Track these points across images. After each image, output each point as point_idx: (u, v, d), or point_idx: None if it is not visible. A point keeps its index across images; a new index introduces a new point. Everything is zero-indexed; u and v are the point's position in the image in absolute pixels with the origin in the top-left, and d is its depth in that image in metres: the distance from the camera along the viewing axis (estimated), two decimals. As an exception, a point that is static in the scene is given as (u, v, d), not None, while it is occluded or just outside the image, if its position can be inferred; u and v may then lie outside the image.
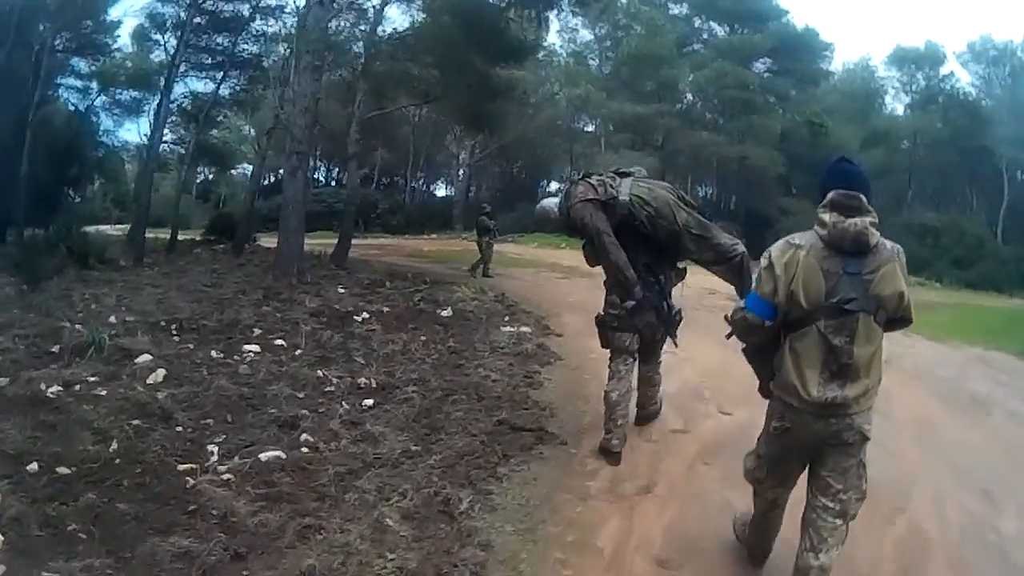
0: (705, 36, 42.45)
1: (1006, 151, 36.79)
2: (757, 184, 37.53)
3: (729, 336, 3.40)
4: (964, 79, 42.71)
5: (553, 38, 44.30)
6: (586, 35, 45.37)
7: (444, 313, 11.17)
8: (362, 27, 21.21)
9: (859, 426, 3.09)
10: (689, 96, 42.51)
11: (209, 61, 24.16)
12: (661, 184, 5.32)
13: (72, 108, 27.33)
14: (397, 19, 20.14)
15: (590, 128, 43.68)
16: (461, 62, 18.48)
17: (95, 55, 26.74)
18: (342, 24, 20.67)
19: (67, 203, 24.88)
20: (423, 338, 9.22)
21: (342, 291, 13.15)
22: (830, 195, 3.07)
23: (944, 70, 42.72)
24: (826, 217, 3.03)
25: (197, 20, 23.19)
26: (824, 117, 36.94)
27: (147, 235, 21.70)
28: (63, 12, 22.91)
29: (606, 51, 43.97)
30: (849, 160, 3.20)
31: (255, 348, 8.20)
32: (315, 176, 47.59)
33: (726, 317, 3.38)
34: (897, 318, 3.13)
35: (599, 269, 5.52)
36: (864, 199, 3.02)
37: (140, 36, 26.18)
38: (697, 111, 42.55)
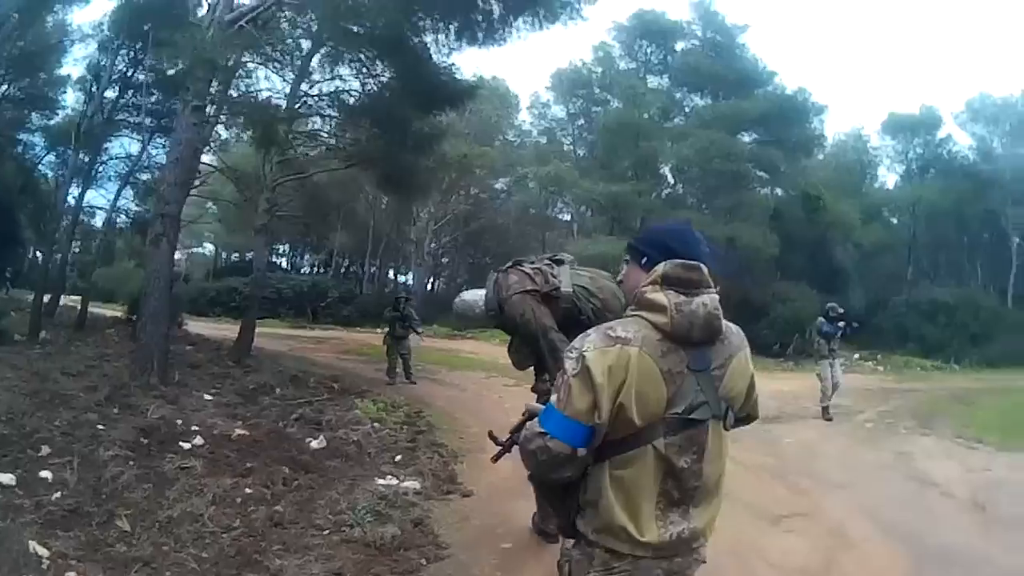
0: (687, 109, 38.58)
1: (1011, 213, 35.32)
2: (747, 269, 34.10)
3: (531, 476, 2.45)
4: (963, 142, 40.96)
5: (524, 116, 43.22)
6: (558, 112, 42.64)
7: (314, 443, 8.69)
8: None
9: (703, 558, 2.40)
10: (669, 174, 38.44)
11: (147, 122, 21.35)
12: (600, 272, 4.93)
13: (18, 164, 25.28)
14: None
15: (565, 216, 42.49)
16: (398, 118, 16.50)
17: (44, 110, 25.24)
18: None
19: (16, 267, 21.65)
20: (249, 490, 6.66)
21: (209, 398, 11.05)
22: (660, 268, 2.31)
23: (941, 134, 41.02)
24: (660, 298, 2.25)
25: (138, 76, 20.41)
26: (821, 189, 33.69)
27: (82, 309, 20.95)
28: (15, 63, 22.12)
29: (580, 129, 42.16)
30: (692, 230, 2.46)
31: (6, 479, 6.10)
32: (271, 259, 45.23)
33: (491, 435, 2.77)
34: (743, 417, 2.49)
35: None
36: (706, 270, 2.32)
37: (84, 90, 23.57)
38: (679, 190, 38.79)
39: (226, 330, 23.22)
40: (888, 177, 45.12)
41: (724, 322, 2.35)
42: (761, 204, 34.12)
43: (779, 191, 36.30)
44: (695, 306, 2.27)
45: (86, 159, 22.29)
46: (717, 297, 2.33)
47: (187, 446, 7.86)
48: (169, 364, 12.33)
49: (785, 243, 31.08)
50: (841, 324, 13.31)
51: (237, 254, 51.15)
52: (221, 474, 6.97)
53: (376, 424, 9.91)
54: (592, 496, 2.32)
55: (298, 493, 6.72)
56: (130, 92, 20.81)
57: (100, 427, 8.07)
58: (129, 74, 20.70)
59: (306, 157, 19.90)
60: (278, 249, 49.92)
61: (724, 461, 2.38)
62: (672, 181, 38.26)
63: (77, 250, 29.67)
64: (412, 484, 7.18)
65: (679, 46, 38.28)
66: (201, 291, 39.06)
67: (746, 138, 34.35)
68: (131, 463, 6.92)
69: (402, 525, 5.92)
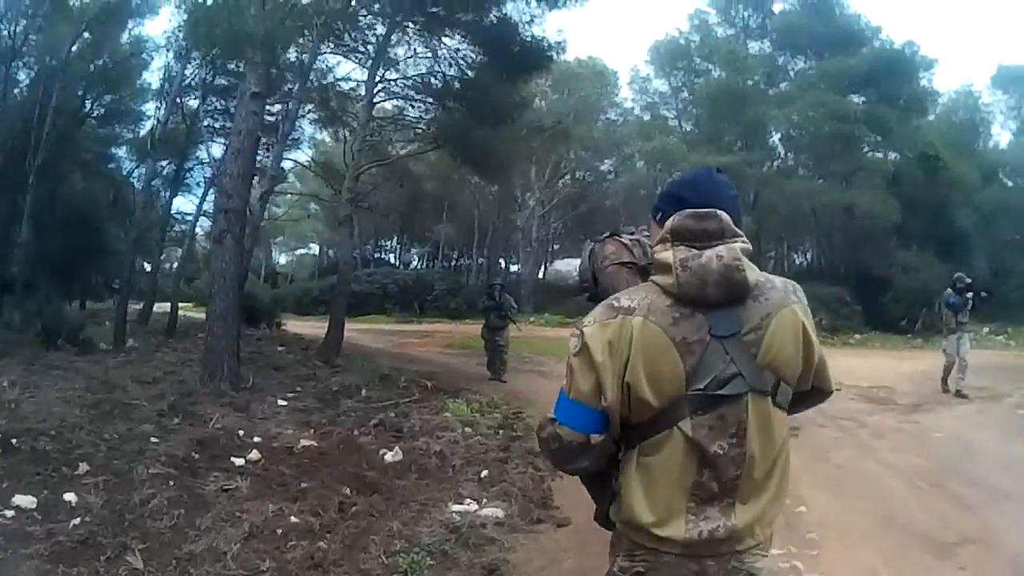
0: (791, 73, 36.63)
1: None
2: (866, 238, 32.40)
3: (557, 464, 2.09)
4: None
5: (625, 92, 41.56)
6: (660, 86, 40.80)
7: (388, 455, 7.51)
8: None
9: (751, 569, 1.91)
10: (779, 142, 36.56)
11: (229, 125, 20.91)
12: None
13: (108, 178, 25.99)
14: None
15: None
16: (482, 87, 16.05)
17: (130, 123, 25.93)
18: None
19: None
20: (295, 519, 5.50)
21: (283, 403, 10.10)
22: (670, 222, 1.93)
23: None
24: (666, 256, 1.88)
25: (219, 80, 21.36)
26: (939, 148, 30.91)
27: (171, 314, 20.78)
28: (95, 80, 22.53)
29: (683, 103, 40.27)
30: (718, 170, 2.08)
31: (26, 501, 5.40)
32: (375, 254, 45.19)
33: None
34: (808, 391, 2.04)
35: None
36: (726, 218, 1.90)
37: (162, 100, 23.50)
38: (789, 159, 37.26)
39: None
40: (1002, 136, 41.45)
41: (761, 275, 1.92)
42: (879, 168, 32.38)
43: (893, 154, 33.85)
44: (705, 259, 1.85)
45: (171, 167, 23.10)
46: (739, 247, 1.88)
47: (240, 462, 6.95)
48: (247, 367, 11.70)
49: (905, 209, 28.98)
50: (969, 295, 12.57)
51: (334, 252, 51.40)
52: (268, 497, 5.98)
53: (467, 429, 8.80)
54: (619, 485, 1.99)
55: (353, 522, 5.55)
56: (211, 98, 21.41)
57: (153, 440, 7.29)
58: (209, 80, 20.96)
59: (390, 142, 19.42)
60: (385, 244, 50.18)
61: (777, 445, 1.92)
62: (782, 150, 36.53)
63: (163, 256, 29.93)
64: (494, 511, 5.88)
65: (777, 7, 36.58)
66: (305, 291, 39.57)
67: (855, 99, 32.09)
68: (170, 483, 6.04)
69: (470, 572, 4.69)
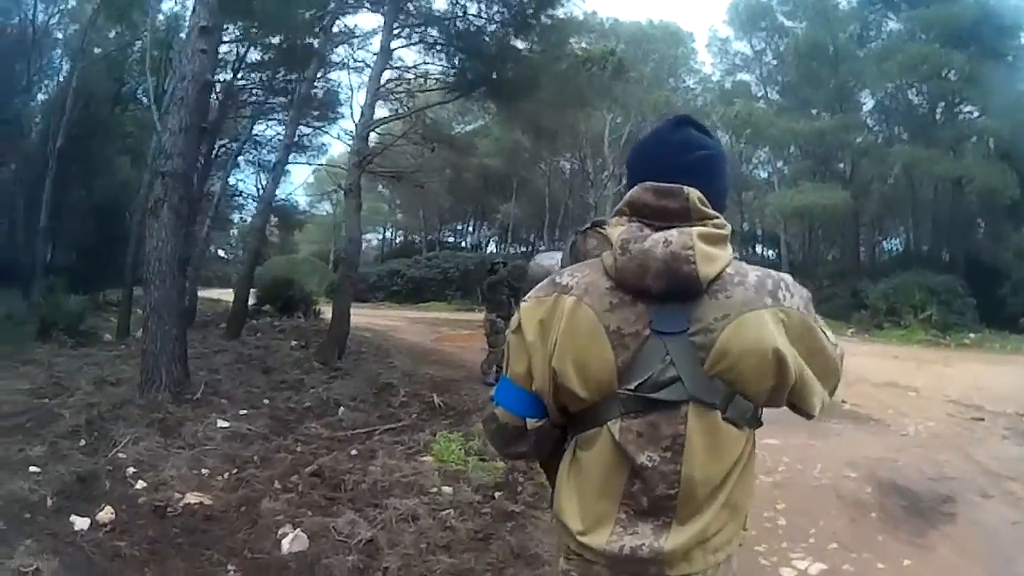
0: (886, 29, 32.02)
1: None
2: (978, 218, 29.00)
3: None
4: None
5: (703, 57, 39.05)
6: (742, 48, 37.41)
7: (287, 542, 4.73)
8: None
9: None
10: (874, 104, 32.98)
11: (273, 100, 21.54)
12: None
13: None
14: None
15: (759, 171, 38.19)
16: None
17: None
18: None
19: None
20: None
21: (224, 425, 7.71)
22: (629, 193, 1.69)
23: None
24: (614, 232, 1.64)
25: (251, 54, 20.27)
26: None
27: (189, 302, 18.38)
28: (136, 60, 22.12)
29: (767, 68, 36.79)
30: (679, 122, 1.76)
31: None
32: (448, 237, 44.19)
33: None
34: (784, 406, 1.70)
35: None
36: (694, 195, 1.61)
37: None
38: (887, 125, 33.16)
39: (378, 317, 22.95)
40: None
41: (732, 268, 1.60)
42: (992, 134, 26.95)
43: (1001, 120, 28.02)
44: (650, 244, 1.55)
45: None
46: (698, 232, 1.56)
47: (81, 524, 4.80)
48: (238, 366, 10.95)
49: (1022, 184, 24.70)
50: None
51: (402, 235, 50.53)
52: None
53: (447, 489, 5.86)
54: (558, 477, 1.78)
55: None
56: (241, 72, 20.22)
57: (33, 469, 5.75)
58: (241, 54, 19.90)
59: (411, 95, 17.47)
60: (456, 227, 48.54)
61: (725, 465, 1.61)
62: (879, 115, 32.92)
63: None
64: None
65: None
66: (362, 277, 37.53)
67: (959, 54, 27.24)
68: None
69: None
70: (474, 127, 33.17)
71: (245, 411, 8.59)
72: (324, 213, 45.80)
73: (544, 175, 37.35)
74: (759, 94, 36.00)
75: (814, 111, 30.42)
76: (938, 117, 29.24)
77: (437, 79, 16.41)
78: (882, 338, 21.91)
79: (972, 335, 22.06)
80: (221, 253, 44.88)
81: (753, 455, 1.68)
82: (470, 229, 49.07)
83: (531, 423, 1.70)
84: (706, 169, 1.68)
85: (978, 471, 6.97)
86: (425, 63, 16.47)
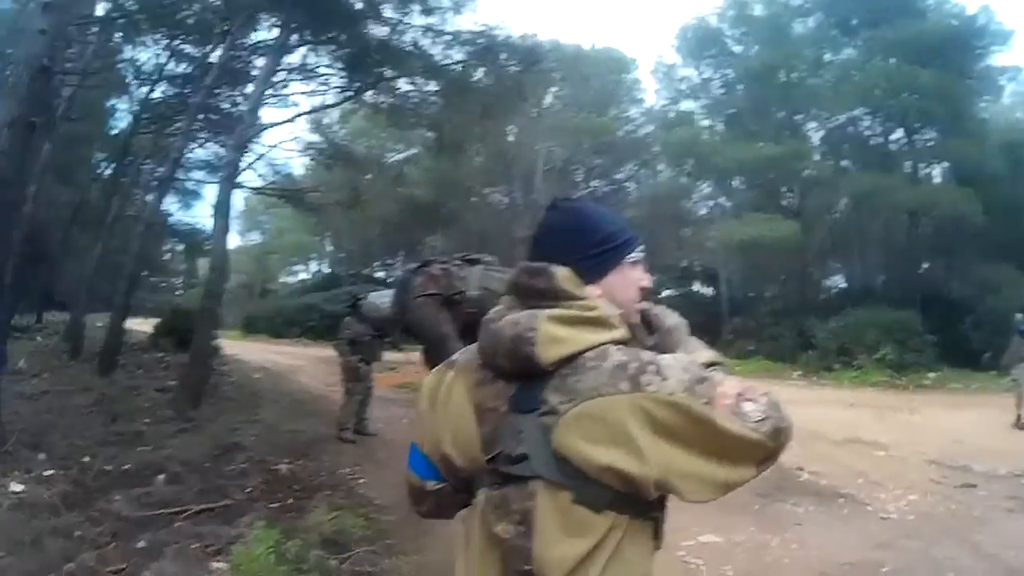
0: (845, 52, 30.32)
1: None
2: (938, 249, 27.54)
3: None
4: None
5: (647, 84, 37.76)
6: (689, 74, 35.38)
7: None
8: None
9: None
10: (823, 133, 31.22)
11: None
12: None
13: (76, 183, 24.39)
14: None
15: (700, 207, 36.43)
16: None
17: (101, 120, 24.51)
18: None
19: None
20: None
21: (20, 489, 6.40)
22: (512, 270, 1.80)
23: None
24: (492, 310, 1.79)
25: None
26: None
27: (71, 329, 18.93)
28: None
29: (714, 98, 34.73)
30: (556, 204, 1.83)
31: None
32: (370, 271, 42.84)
33: None
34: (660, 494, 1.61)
35: None
36: (560, 275, 1.66)
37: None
38: (839, 151, 31.21)
39: (284, 355, 22.21)
40: None
41: (594, 351, 1.58)
42: (956, 158, 26.18)
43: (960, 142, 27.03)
44: (502, 324, 1.65)
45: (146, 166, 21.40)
46: (548, 315, 1.60)
47: None
48: (94, 410, 9.92)
49: (986, 209, 23.60)
50: None
51: (330, 268, 48.83)
52: None
53: None
54: None
55: None
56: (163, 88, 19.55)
57: None
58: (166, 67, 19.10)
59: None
60: (387, 260, 46.70)
61: (587, 551, 1.54)
62: (829, 142, 31.38)
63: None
64: None
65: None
66: (279, 309, 36.34)
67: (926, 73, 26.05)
68: None
69: None
70: (406, 155, 31.76)
71: (51, 471, 7.13)
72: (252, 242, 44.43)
73: (476, 208, 35.74)
74: (704, 123, 34.57)
75: (761, 144, 28.90)
76: (895, 143, 28.45)
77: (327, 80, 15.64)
78: (832, 380, 20.45)
79: (932, 375, 20.67)
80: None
81: (636, 544, 1.59)
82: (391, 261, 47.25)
83: (430, 485, 1.79)
84: (566, 247, 1.67)
85: (996, 570, 5.41)
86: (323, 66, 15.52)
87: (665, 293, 29.54)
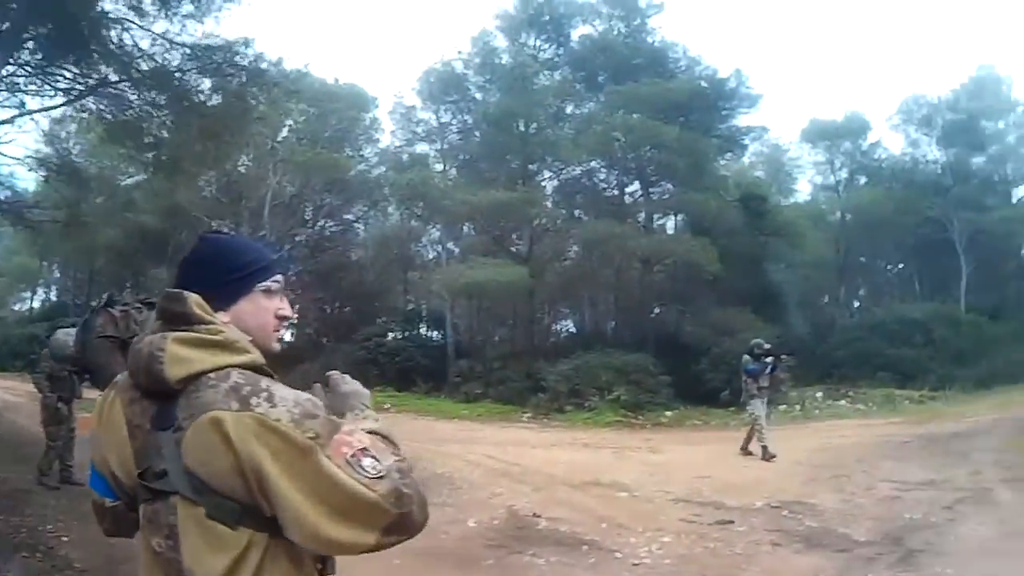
0: (591, 103, 31.32)
1: (959, 218, 33.50)
2: (674, 295, 29.00)
3: None
4: (894, 148, 39.58)
5: (386, 124, 36.53)
6: (427, 118, 35.21)
7: None
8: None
9: None
10: (556, 183, 32.66)
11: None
12: None
13: None
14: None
15: (429, 253, 36.46)
16: None
17: None
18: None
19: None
20: None
21: None
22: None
23: (871, 139, 39.02)
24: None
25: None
26: (768, 189, 29.51)
27: None
28: None
29: (451, 142, 35.13)
30: (204, 237, 1.95)
31: None
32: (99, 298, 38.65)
33: None
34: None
35: None
36: (192, 301, 1.73)
37: None
38: (572, 200, 32.82)
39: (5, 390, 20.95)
40: (803, 187, 42.60)
41: (217, 373, 1.64)
42: (704, 207, 27.37)
43: (700, 196, 28.62)
44: (141, 345, 1.73)
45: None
46: (175, 335, 1.67)
47: None
48: None
49: (723, 259, 25.24)
50: (768, 360, 13.16)
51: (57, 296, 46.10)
52: None
53: None
54: None
55: None
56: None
57: None
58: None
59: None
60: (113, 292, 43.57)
61: (227, 567, 1.58)
62: (562, 191, 32.48)
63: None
64: None
65: (576, 34, 32.68)
66: (4, 338, 34.53)
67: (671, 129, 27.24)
68: None
69: None
70: (136, 180, 29.55)
71: None
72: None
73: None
74: (438, 167, 34.35)
75: (494, 191, 28.97)
76: (631, 196, 29.50)
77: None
78: (564, 422, 20.15)
79: (669, 413, 21.34)
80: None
81: (281, 564, 1.61)
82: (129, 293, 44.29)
83: (107, 503, 1.82)
84: (202, 276, 1.76)
85: None
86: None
87: (390, 336, 28.84)
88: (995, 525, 7.42)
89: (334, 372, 1.90)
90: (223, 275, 1.76)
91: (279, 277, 1.82)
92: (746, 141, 32.77)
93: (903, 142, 39.36)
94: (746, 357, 13.12)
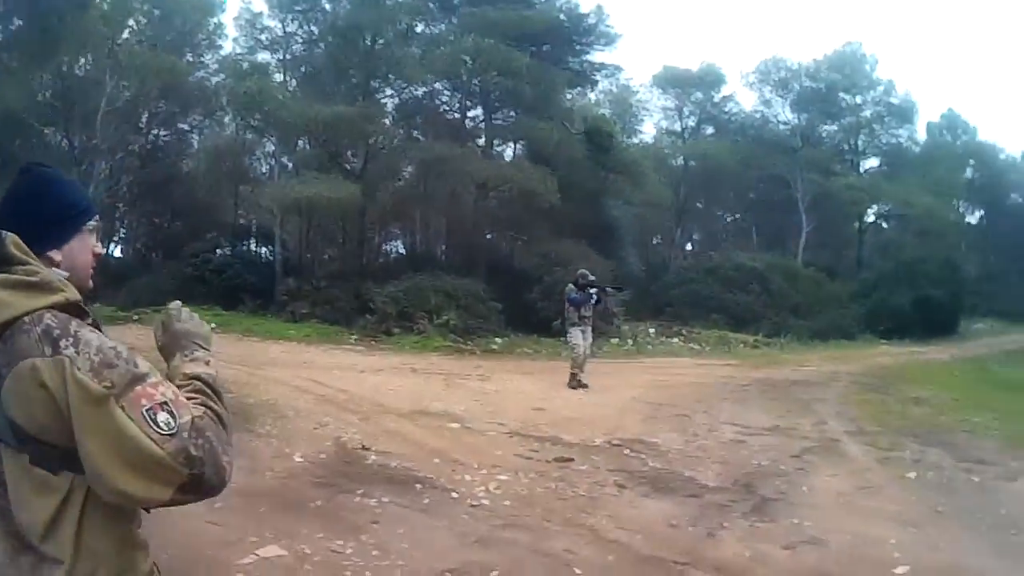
0: (445, 24, 30.57)
1: (803, 178, 36.09)
2: (508, 220, 28.21)
3: None
4: (748, 104, 41.64)
5: (231, 31, 34.24)
6: (273, 26, 33.04)
7: None
8: None
9: None
10: (397, 101, 30.85)
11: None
12: None
13: None
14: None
15: (263, 167, 34.82)
16: None
17: None
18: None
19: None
20: None
21: None
22: None
23: (724, 92, 41.01)
24: None
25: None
26: (613, 125, 29.16)
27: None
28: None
29: (296, 52, 32.98)
30: (27, 169, 1.80)
31: None
32: None
33: None
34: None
35: None
36: (9, 240, 1.64)
37: None
38: (412, 120, 31.15)
39: None
40: (648, 130, 43.13)
41: (31, 316, 1.57)
42: (544, 137, 26.88)
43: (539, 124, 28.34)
44: None
45: None
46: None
47: None
48: None
49: (563, 190, 24.82)
50: (593, 291, 13.35)
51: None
52: None
53: None
54: None
55: None
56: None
57: None
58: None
59: None
60: None
61: (52, 515, 1.57)
62: (402, 110, 31.15)
63: None
64: None
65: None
66: None
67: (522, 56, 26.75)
68: None
69: None
70: None
71: None
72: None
73: (36, 150, 29.19)
74: (279, 78, 32.47)
75: (334, 105, 27.65)
76: (472, 120, 29.01)
77: None
78: (393, 346, 19.22)
79: (499, 340, 20.96)
80: None
81: (105, 505, 1.55)
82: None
83: None
84: (32, 212, 1.69)
85: (625, 560, 4.82)
86: None
87: (218, 253, 27.43)
88: (848, 478, 7.36)
89: (172, 306, 1.83)
90: (58, 212, 1.72)
91: (97, 216, 1.79)
92: (597, 78, 32.72)
93: (755, 100, 41.39)
94: (570, 286, 13.34)
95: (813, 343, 25.44)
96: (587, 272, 13.59)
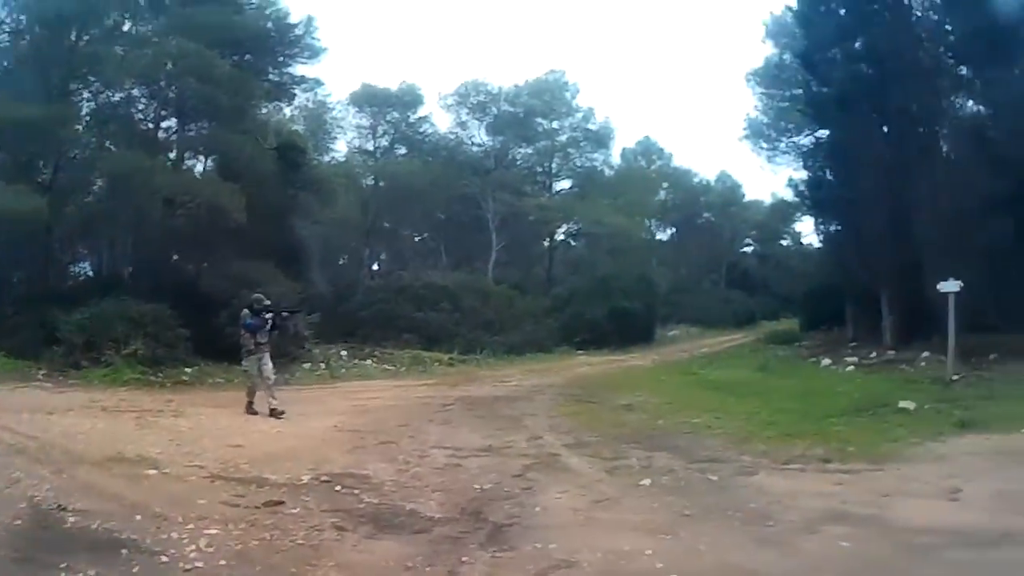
0: (151, 25, 28.34)
1: (494, 198, 39.23)
2: (195, 239, 26.20)
3: None
4: (444, 125, 44.11)
5: None
6: None
7: None
8: None
9: None
10: (93, 105, 28.34)
11: None
12: None
13: None
14: None
15: None
16: None
17: None
18: None
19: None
20: None
21: None
22: None
23: (421, 113, 42.98)
24: None
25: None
26: (307, 142, 29.80)
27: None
28: None
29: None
30: None
31: None
32: None
33: None
34: None
35: None
36: None
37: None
38: (105, 126, 28.55)
39: None
40: (340, 147, 44.00)
41: None
42: (233, 151, 26.09)
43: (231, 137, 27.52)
44: None
45: None
46: None
47: None
48: None
49: (252, 208, 23.89)
50: (268, 316, 13.23)
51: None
52: None
53: None
54: None
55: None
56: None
57: None
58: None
59: None
60: None
61: None
62: (97, 115, 28.55)
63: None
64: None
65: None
66: None
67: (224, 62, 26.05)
68: None
69: None
70: None
71: None
72: None
73: None
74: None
75: (27, 107, 24.98)
76: (164, 130, 27.51)
77: None
78: (81, 381, 17.43)
79: (189, 370, 20.08)
80: None
81: None
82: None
83: None
84: None
85: None
86: None
87: None
88: (580, 493, 7.42)
89: None
90: None
91: None
92: (296, 92, 32.18)
93: (451, 122, 43.95)
94: (245, 311, 13.24)
95: (510, 357, 26.99)
96: (262, 296, 13.60)
